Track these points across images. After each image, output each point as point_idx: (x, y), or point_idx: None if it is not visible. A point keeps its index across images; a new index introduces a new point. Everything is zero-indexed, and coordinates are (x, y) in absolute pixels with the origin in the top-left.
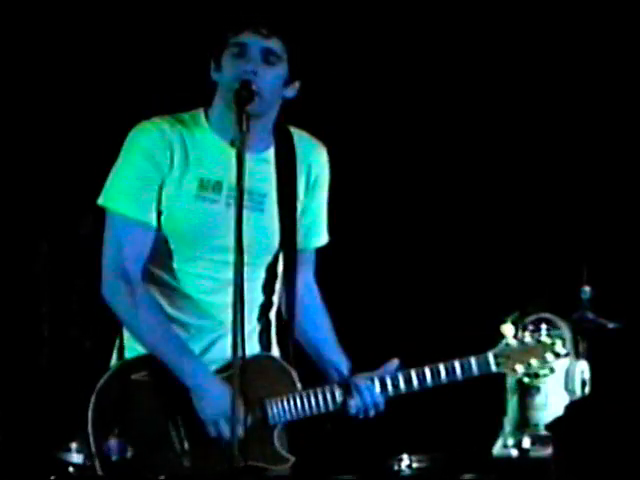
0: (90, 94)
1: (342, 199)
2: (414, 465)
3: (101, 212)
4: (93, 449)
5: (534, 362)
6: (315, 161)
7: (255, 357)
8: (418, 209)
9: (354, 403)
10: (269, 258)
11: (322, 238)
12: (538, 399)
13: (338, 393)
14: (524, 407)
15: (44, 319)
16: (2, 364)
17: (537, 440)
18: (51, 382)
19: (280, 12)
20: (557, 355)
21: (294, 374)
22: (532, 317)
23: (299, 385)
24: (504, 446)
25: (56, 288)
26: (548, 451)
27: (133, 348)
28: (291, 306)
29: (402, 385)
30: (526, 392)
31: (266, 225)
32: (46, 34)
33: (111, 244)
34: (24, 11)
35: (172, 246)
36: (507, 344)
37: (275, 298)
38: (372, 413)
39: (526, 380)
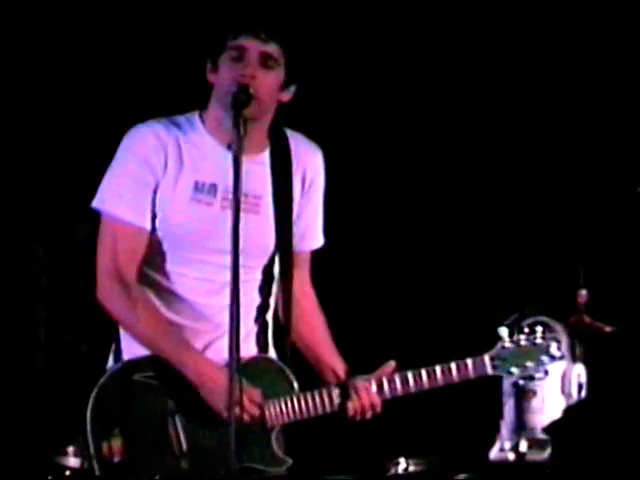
0: (86, 97)
1: (338, 201)
2: (411, 468)
3: (97, 216)
4: (91, 447)
5: (529, 364)
6: (311, 163)
7: (252, 359)
8: (415, 212)
9: (351, 405)
10: (265, 260)
11: (318, 240)
12: (535, 402)
13: (335, 395)
14: (521, 410)
15: (40, 323)
16: None
17: (534, 444)
18: (47, 386)
19: (278, 16)
20: (552, 357)
21: (291, 376)
22: (529, 320)
23: (296, 387)
24: (501, 450)
25: (52, 292)
26: (545, 455)
27: (131, 353)
28: (287, 308)
29: (399, 387)
30: (523, 395)
31: (261, 227)
32: (42, 40)
33: (105, 247)
34: (23, 13)
35: (167, 248)
36: (503, 347)
37: (271, 300)
38: (369, 415)
39: (521, 383)
